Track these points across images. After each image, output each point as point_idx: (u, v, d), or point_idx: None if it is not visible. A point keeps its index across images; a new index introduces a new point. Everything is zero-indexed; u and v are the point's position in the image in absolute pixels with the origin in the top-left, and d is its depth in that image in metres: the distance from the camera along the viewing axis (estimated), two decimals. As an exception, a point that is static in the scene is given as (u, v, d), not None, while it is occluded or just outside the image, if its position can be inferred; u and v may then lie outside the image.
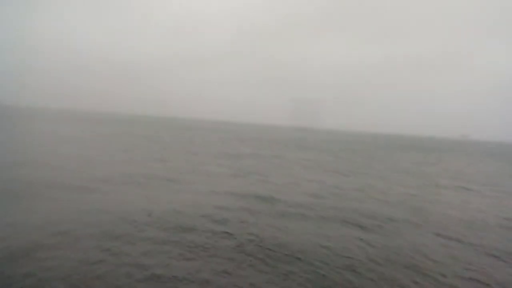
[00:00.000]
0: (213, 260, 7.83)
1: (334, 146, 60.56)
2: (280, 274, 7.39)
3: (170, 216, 10.77)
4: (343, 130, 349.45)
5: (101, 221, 9.84)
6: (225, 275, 7.16)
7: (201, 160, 25.26)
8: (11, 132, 36.23)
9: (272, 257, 8.21)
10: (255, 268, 7.61)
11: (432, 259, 8.93)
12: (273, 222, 11.05)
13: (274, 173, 21.93)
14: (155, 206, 11.79)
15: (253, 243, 9.04)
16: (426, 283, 7.55)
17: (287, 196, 14.92)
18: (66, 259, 7.31)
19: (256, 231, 9.93)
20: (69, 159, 20.55)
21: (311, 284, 7.09)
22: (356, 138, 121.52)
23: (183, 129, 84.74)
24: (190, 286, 6.65)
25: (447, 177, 27.19)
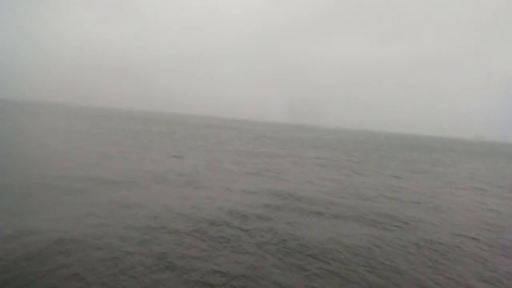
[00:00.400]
0: (235, 255, 8.08)
1: (346, 145, 60.36)
2: (300, 270, 7.58)
3: (195, 212, 11.07)
4: (349, 129, 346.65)
5: (129, 215, 10.19)
6: (246, 268, 7.39)
7: (218, 158, 25.53)
8: (31, 128, 37.08)
9: (292, 255, 8.40)
10: (276, 264, 7.82)
11: (450, 259, 9.01)
12: (293, 219, 11.24)
13: (292, 171, 22.08)
14: (180, 201, 12.14)
15: (274, 239, 9.26)
16: (444, 283, 7.65)
17: (306, 194, 15.08)
18: (97, 250, 7.63)
19: (276, 228, 10.14)
20: (89, 155, 21.03)
21: (332, 282, 7.25)
22: (366, 137, 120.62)
23: (190, 126, 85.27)
24: (211, 277, 6.88)
25: (463, 178, 26.96)
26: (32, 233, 8.20)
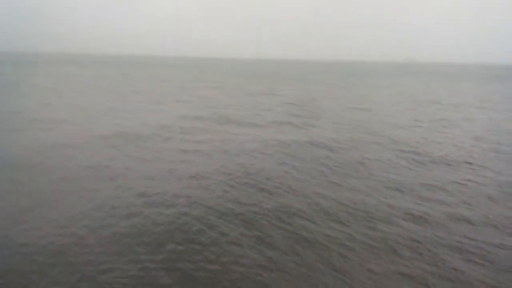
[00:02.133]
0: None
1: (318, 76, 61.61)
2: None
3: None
4: (298, 59, 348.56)
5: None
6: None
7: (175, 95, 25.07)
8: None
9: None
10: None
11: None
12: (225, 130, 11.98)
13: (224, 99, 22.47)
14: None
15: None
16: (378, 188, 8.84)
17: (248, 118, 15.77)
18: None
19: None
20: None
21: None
22: (307, 67, 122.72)
23: (154, 66, 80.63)
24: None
25: (403, 98, 29.23)
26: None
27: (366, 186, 8.55)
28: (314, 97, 27.63)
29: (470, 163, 10.56)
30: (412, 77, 67.70)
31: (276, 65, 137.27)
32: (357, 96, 29.94)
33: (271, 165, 9.90)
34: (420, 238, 6.13)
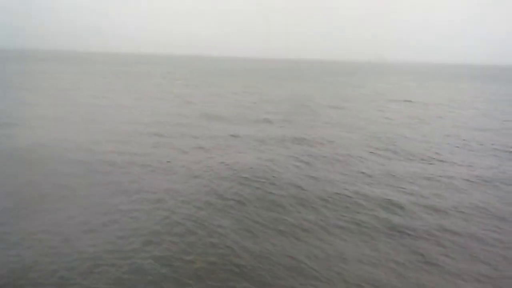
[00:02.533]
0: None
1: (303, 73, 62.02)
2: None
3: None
4: (274, 58, 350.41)
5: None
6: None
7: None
8: None
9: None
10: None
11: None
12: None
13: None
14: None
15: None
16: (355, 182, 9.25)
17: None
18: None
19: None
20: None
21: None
22: (282, 65, 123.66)
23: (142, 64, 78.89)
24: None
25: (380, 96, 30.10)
26: None
27: (341, 179, 8.99)
28: (291, 95, 28.03)
29: (440, 160, 11.10)
30: (385, 76, 69.44)
31: (251, 63, 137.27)
32: (333, 94, 30.58)
33: (253, 161, 10.13)
34: (393, 227, 6.54)
